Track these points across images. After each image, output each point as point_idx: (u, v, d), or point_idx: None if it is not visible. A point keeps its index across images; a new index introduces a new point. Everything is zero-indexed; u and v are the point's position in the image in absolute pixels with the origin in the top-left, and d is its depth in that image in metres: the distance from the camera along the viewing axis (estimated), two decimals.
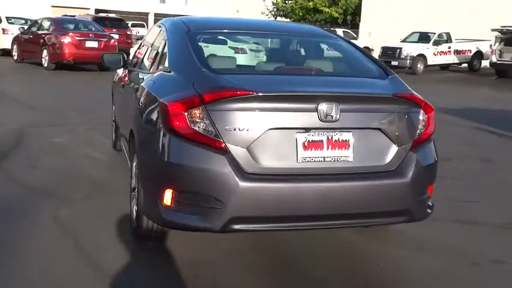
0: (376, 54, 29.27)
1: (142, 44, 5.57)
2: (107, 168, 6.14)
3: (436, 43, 24.05)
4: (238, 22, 4.99)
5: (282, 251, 3.92)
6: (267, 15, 41.96)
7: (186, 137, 3.22)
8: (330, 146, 3.25)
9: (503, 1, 27.78)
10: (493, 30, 23.42)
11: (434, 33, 24.38)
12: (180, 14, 62.02)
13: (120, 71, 6.03)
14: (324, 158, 3.26)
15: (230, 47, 4.93)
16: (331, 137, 3.26)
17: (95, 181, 5.51)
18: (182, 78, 3.61)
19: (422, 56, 23.43)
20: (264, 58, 4.50)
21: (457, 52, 24.78)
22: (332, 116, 3.19)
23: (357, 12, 35.15)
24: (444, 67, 25.32)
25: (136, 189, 3.83)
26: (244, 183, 3.12)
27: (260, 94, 3.17)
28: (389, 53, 23.67)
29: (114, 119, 6.48)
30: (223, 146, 3.15)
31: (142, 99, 3.91)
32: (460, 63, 25.44)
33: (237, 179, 3.12)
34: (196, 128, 3.18)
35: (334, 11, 35.02)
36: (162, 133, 3.34)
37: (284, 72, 3.98)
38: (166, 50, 4.11)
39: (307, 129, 3.22)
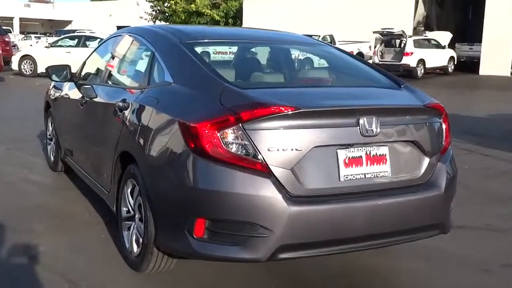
0: None
1: (99, 56, 5.10)
2: (56, 192, 5.51)
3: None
4: (224, 31, 4.69)
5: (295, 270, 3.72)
6: (145, 19, 40.95)
7: (221, 160, 2.86)
8: (368, 162, 3.09)
9: (381, 5, 29.63)
10: (374, 32, 24.92)
11: (319, 36, 25.21)
12: (48, 19, 58.89)
13: (63, 85, 5.46)
14: (365, 174, 3.08)
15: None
16: (370, 152, 3.09)
17: (50, 208, 4.91)
18: (200, 94, 3.25)
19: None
20: (268, 69, 4.24)
21: None
22: (372, 130, 3.03)
23: (238, 15, 35.53)
24: None
25: (143, 220, 3.36)
26: (293, 207, 2.84)
27: (303, 110, 2.91)
28: None
29: (54, 138, 5.86)
30: (266, 168, 2.85)
31: (144, 119, 3.48)
32: None
33: (285, 203, 2.83)
34: (233, 150, 2.86)
35: (215, 14, 35.10)
36: (188, 157, 2.97)
37: (309, 85, 3.78)
38: (158, 62, 3.71)
39: (349, 145, 3.03)
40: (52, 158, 6.06)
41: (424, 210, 3.27)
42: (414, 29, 30.07)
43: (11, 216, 4.63)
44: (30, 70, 19.58)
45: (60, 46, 19.52)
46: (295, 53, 4.57)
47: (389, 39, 25.10)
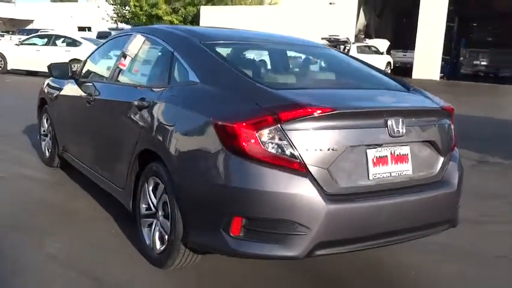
0: None
1: (104, 55, 4.71)
2: (56, 187, 5.04)
3: None
4: (240, 33, 4.36)
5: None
6: (107, 20, 39.76)
7: (259, 160, 2.64)
8: (393, 161, 2.95)
9: (327, 14, 29.99)
10: (322, 38, 25.04)
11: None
12: (9, 18, 56.14)
13: (63, 83, 5.04)
14: (390, 173, 2.94)
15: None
16: (394, 152, 2.96)
17: (53, 204, 4.48)
18: (232, 94, 2.99)
19: None
20: (290, 71, 3.99)
21: None
22: (399, 131, 2.89)
23: (195, 20, 35.00)
24: None
25: (170, 217, 3.07)
26: (330, 205, 2.66)
27: (340, 111, 2.73)
28: None
29: (50, 134, 5.43)
30: (303, 167, 2.66)
31: (170, 118, 3.19)
32: None
33: (323, 201, 2.65)
34: (271, 150, 2.64)
35: (174, 19, 34.48)
36: (224, 156, 2.72)
37: (335, 87, 3.57)
38: (179, 62, 3.42)
39: (378, 145, 2.88)
40: (47, 154, 5.59)
41: (439, 206, 3.17)
42: (356, 36, 30.47)
43: (15, 212, 4.22)
44: (0, 67, 18.47)
45: (31, 44, 18.50)
46: (311, 56, 4.35)
47: (335, 45, 25.23)
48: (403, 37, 33.67)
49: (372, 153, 2.88)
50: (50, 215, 4.22)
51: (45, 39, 18.48)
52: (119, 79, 4.08)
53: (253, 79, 3.09)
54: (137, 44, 3.98)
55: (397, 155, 2.98)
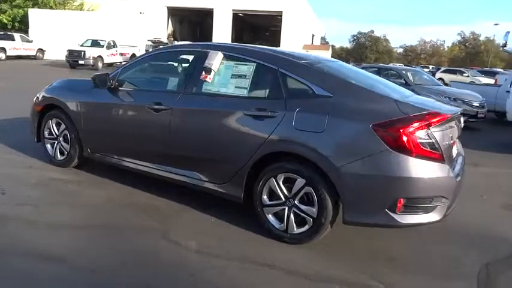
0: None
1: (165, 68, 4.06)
2: (115, 187, 4.18)
3: (108, 47, 23.01)
4: (301, 54, 3.83)
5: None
6: None
7: (417, 154, 2.86)
8: (454, 145, 3.35)
9: (146, 20, 28.85)
10: (148, 40, 24.13)
11: (105, 41, 23.16)
12: None
13: (91, 91, 4.24)
14: (456, 152, 3.40)
15: None
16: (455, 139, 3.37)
17: (142, 204, 3.80)
18: (371, 105, 3.01)
19: (100, 57, 22.03)
20: (380, 85, 3.61)
21: (121, 54, 24.34)
22: (458, 130, 3.32)
23: (24, 20, 29.81)
24: (112, 64, 24.38)
25: (318, 205, 3.08)
26: (456, 180, 3.10)
27: (450, 116, 3.12)
28: (76, 54, 21.25)
29: (70, 138, 4.50)
30: (442, 157, 2.99)
31: (316, 124, 3.04)
32: (122, 62, 24.95)
33: (455, 179, 3.07)
34: (425, 147, 2.91)
35: (4, 18, 28.65)
36: (390, 154, 2.83)
37: (420, 98, 3.59)
38: (291, 78, 3.31)
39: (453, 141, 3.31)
40: (60, 156, 4.61)
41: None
42: (167, 39, 30.06)
43: (127, 216, 3.53)
44: None
45: None
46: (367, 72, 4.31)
47: (157, 45, 24.59)
48: (199, 40, 34.57)
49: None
50: (142, 215, 3.60)
51: None
52: (204, 91, 3.66)
53: (378, 93, 3.21)
54: (220, 60, 3.66)
55: (454, 140, 3.38)
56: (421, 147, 2.90)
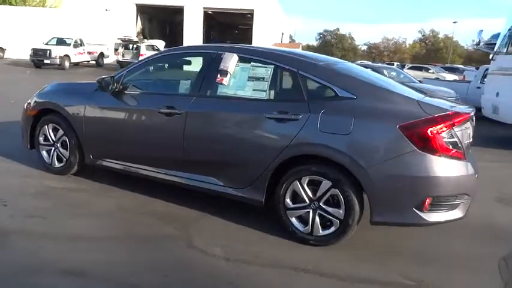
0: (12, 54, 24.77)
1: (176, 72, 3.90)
2: (122, 194, 4.03)
3: (75, 46, 22.20)
4: (317, 56, 3.87)
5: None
6: None
7: (443, 154, 2.91)
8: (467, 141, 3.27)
9: (115, 19, 28.12)
10: (118, 38, 23.52)
11: (71, 39, 22.32)
12: None
13: (93, 94, 4.07)
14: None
15: None
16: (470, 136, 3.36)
17: (160, 212, 3.67)
18: (396, 106, 3.02)
19: (67, 56, 21.22)
20: (395, 86, 3.63)
21: (89, 53, 23.56)
22: (471, 130, 3.32)
23: None
24: (79, 63, 23.58)
25: (344, 206, 3.08)
26: (476, 177, 3.18)
27: (467, 116, 3.14)
28: (41, 53, 20.32)
29: (68, 144, 4.29)
30: (464, 155, 3.06)
31: (342, 126, 3.02)
32: (90, 61, 24.20)
33: (475, 176, 3.15)
34: (450, 146, 2.96)
35: None
36: (417, 154, 2.86)
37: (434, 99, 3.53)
38: (312, 80, 3.29)
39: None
40: (57, 163, 4.40)
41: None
42: (136, 37, 29.32)
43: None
44: None
45: None
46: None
47: (127, 44, 24.04)
48: (168, 39, 33.89)
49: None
50: (169, 223, 3.50)
51: None
52: (219, 93, 3.58)
53: (399, 93, 3.23)
54: (236, 62, 3.59)
55: (471, 139, 3.40)
56: (446, 146, 2.96)
